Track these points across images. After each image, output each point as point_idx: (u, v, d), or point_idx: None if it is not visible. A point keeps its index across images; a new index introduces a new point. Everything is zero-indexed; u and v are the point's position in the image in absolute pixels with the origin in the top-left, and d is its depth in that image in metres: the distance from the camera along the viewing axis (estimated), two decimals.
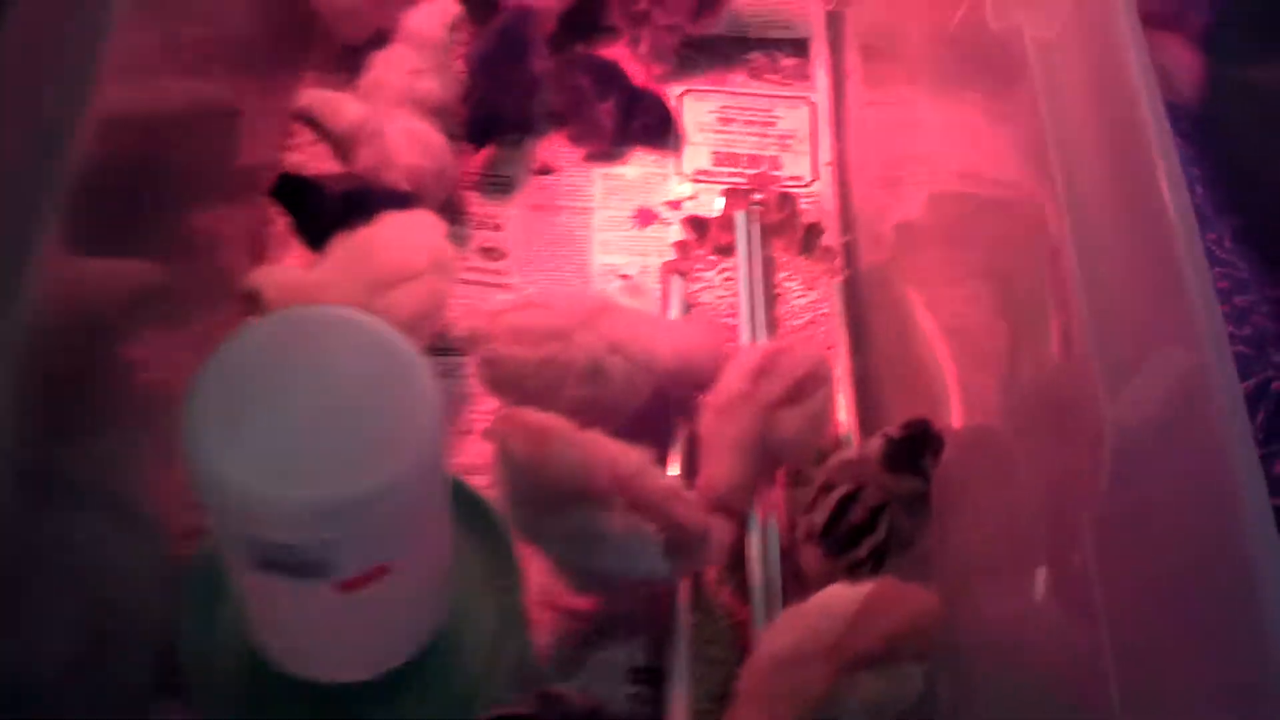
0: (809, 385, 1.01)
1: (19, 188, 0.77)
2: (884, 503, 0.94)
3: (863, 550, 0.94)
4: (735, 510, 0.99)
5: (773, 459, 1.01)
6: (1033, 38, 0.90)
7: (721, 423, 1.01)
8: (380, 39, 1.23)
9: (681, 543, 0.91)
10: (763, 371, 1.01)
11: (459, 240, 1.17)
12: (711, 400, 1.02)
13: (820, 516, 0.96)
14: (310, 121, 1.17)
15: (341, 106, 1.17)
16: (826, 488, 0.97)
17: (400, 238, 1.05)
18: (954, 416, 1.01)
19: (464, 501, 0.96)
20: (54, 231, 0.78)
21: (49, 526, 0.81)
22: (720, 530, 0.95)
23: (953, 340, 1.05)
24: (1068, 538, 0.80)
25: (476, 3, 1.27)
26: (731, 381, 1.01)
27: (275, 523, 0.73)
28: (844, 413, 1.10)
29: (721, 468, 0.99)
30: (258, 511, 0.72)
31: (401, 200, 1.10)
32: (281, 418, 0.73)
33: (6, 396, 0.74)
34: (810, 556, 0.96)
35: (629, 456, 0.92)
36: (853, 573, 0.92)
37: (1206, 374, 0.71)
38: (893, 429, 0.96)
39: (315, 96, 1.19)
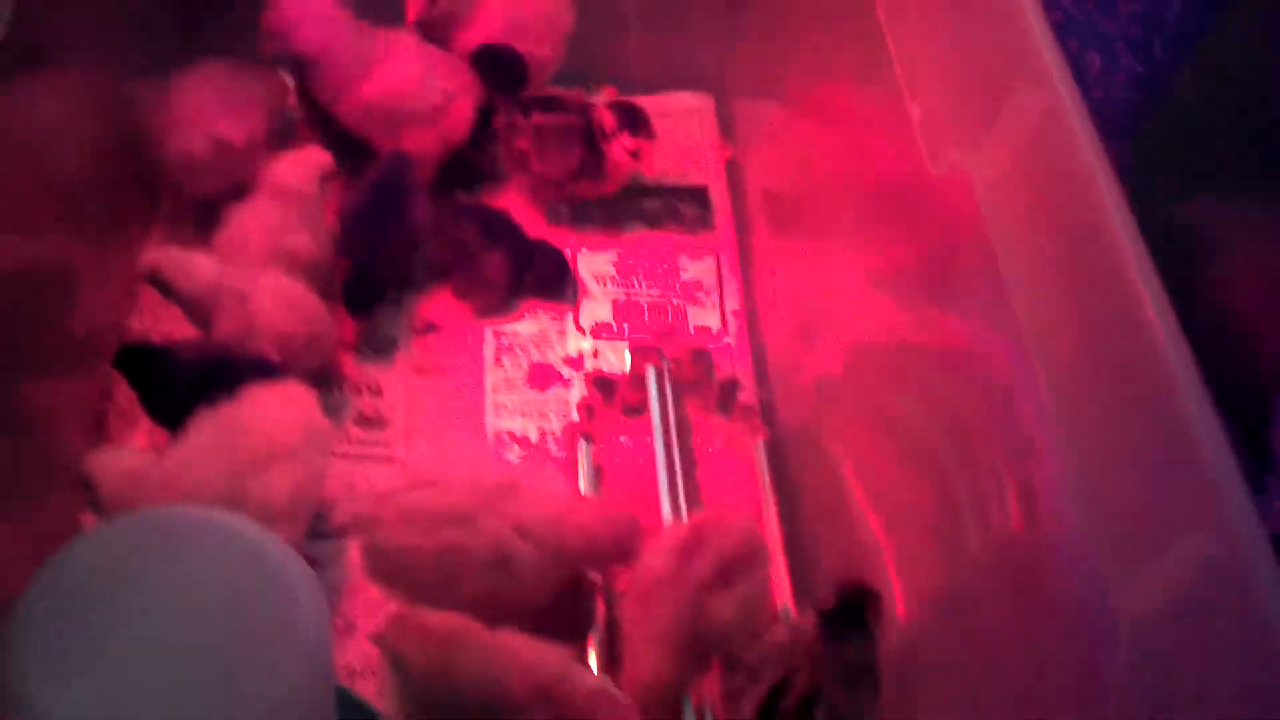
0: (742, 563, 0.89)
1: None
2: (817, 688, 0.83)
3: None
4: (666, 711, 0.86)
5: (706, 649, 0.88)
6: (981, 179, 0.82)
7: (645, 611, 0.88)
8: (236, 191, 1.10)
9: None
10: (688, 550, 0.88)
11: (334, 409, 1.04)
12: (633, 585, 0.89)
13: (748, 711, 0.84)
14: (157, 283, 1.02)
15: (193, 267, 1.02)
16: (752, 676, 0.85)
17: (268, 414, 0.92)
18: (895, 589, 0.90)
19: (350, 715, 0.81)
20: None
21: None
22: None
23: (884, 505, 0.95)
24: None
25: (345, 150, 1.16)
26: (654, 562, 0.89)
27: None
28: (777, 585, 0.98)
29: (647, 664, 0.86)
30: None
31: (266, 369, 0.97)
32: (127, 652, 0.59)
33: None
34: None
35: (549, 658, 0.79)
36: None
37: (1235, 557, 0.61)
38: (823, 600, 0.85)
39: (162, 255, 1.03)
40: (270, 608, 0.60)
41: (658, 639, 0.86)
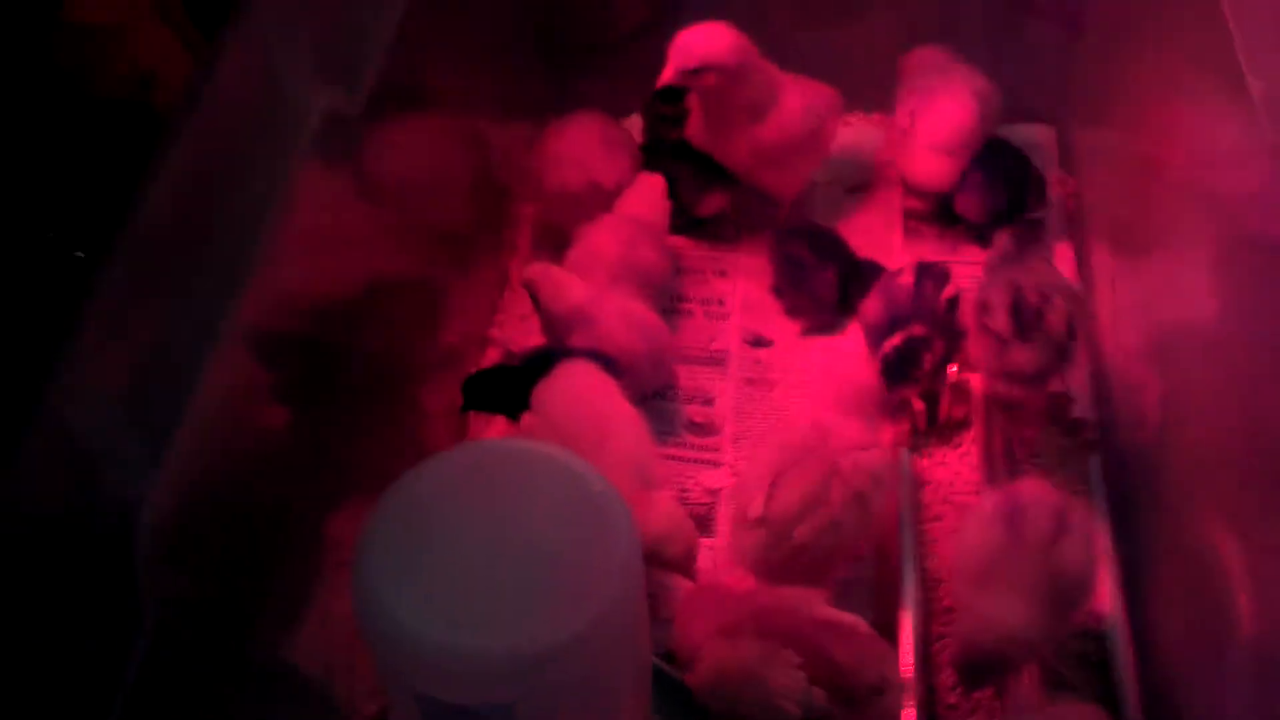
0: (1068, 515, 0.89)
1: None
2: None
3: None
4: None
5: (1067, 601, 0.89)
6: None
7: (991, 574, 0.89)
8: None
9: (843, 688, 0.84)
10: (1014, 514, 0.89)
11: (669, 415, 1.10)
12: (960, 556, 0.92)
13: None
14: (532, 295, 1.10)
15: (567, 288, 1.08)
16: None
17: (574, 384, 1.01)
18: (1244, 609, 0.85)
19: (667, 691, 0.85)
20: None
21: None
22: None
23: (1236, 525, 0.89)
24: None
25: (697, 182, 1.23)
26: (982, 538, 0.90)
27: (447, 677, 0.64)
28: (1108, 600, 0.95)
29: (1009, 616, 0.87)
30: (428, 663, 0.64)
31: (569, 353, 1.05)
32: (459, 561, 0.66)
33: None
34: None
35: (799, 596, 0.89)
36: None
37: None
38: None
39: (542, 273, 1.10)
40: (588, 531, 0.66)
41: (1017, 593, 0.87)
